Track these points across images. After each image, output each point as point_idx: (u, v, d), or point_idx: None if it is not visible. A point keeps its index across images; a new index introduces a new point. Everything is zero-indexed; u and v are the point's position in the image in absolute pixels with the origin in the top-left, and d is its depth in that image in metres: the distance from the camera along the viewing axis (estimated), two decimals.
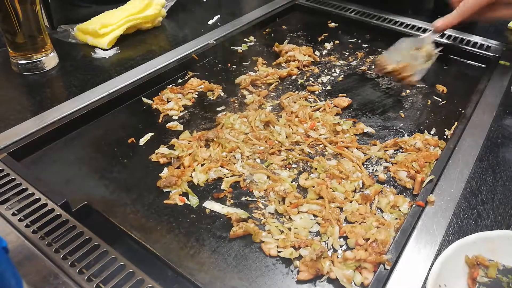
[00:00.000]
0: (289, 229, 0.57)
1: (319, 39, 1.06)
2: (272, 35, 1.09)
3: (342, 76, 0.92)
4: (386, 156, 0.70)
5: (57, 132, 0.73)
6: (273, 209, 0.61)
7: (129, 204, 0.61)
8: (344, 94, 0.85)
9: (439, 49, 0.87)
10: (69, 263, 0.49)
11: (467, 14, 0.82)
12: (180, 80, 0.90)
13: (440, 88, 0.87)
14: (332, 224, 0.57)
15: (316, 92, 0.86)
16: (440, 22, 0.86)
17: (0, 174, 0.61)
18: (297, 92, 0.86)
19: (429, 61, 0.86)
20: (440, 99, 0.84)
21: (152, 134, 0.75)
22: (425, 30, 1.02)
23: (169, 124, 0.77)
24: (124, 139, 0.73)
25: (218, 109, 0.81)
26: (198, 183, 0.65)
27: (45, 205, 0.56)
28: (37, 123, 0.73)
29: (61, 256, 0.50)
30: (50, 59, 0.90)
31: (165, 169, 0.67)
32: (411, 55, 0.87)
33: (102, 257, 0.50)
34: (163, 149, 0.69)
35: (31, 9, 0.83)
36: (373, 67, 0.94)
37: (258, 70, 0.93)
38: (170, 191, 0.63)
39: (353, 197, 0.62)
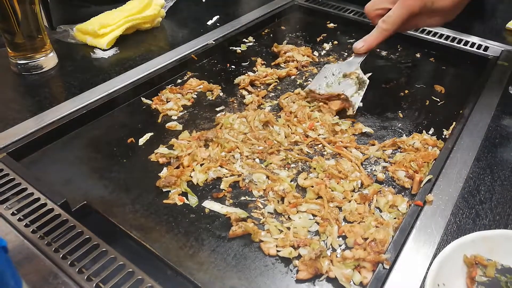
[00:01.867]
0: (288, 228, 0.58)
1: (318, 39, 1.06)
2: (271, 35, 1.09)
3: None
4: (384, 156, 0.70)
5: (57, 132, 0.73)
6: (272, 209, 0.61)
7: (129, 204, 0.61)
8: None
9: (369, 74, 0.81)
10: (69, 262, 0.49)
11: (389, 32, 0.77)
12: (179, 80, 0.90)
13: (438, 88, 0.87)
14: (331, 224, 0.57)
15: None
16: (360, 44, 0.81)
17: None
18: (298, 90, 0.86)
19: (362, 89, 0.78)
20: (438, 99, 0.84)
21: (152, 134, 0.75)
22: (423, 31, 1.03)
23: (168, 124, 0.77)
24: (124, 139, 0.73)
25: (217, 109, 0.82)
26: (197, 183, 0.65)
27: (45, 204, 0.56)
28: (36, 123, 0.73)
29: (61, 255, 0.50)
30: (49, 59, 0.90)
31: (165, 169, 0.67)
32: (341, 83, 0.80)
33: (102, 256, 0.50)
34: (162, 149, 0.69)
35: (30, 9, 0.83)
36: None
37: (257, 70, 0.93)
38: (170, 191, 0.63)
39: (351, 196, 0.62)
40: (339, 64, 0.84)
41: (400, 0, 0.75)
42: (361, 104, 0.78)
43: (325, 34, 1.08)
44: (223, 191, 0.64)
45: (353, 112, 0.78)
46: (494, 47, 0.96)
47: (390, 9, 0.77)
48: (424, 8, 0.75)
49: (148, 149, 0.71)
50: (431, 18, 0.78)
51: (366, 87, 0.79)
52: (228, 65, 0.96)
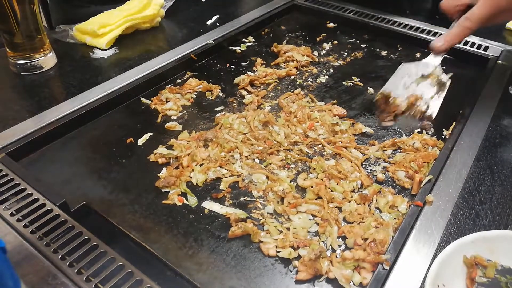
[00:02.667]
0: (288, 229, 0.57)
1: (318, 39, 1.06)
2: (271, 35, 1.09)
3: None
4: (384, 156, 0.70)
5: (56, 132, 0.73)
6: (271, 209, 0.61)
7: (128, 204, 0.61)
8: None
9: (450, 75, 0.75)
10: (68, 263, 0.49)
11: (471, 30, 0.71)
12: (178, 80, 0.90)
13: None
14: (331, 224, 0.57)
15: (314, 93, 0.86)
16: (440, 42, 0.74)
17: None
18: (298, 90, 0.86)
19: (442, 91, 0.73)
20: None
21: (151, 134, 0.75)
22: (423, 31, 1.03)
23: (167, 124, 0.77)
24: (123, 139, 0.73)
25: (217, 109, 0.81)
26: (196, 183, 0.65)
27: (44, 205, 0.56)
28: (35, 123, 0.72)
29: (60, 256, 0.50)
30: (48, 59, 0.90)
31: (164, 169, 0.67)
32: (419, 84, 0.74)
33: (101, 257, 0.50)
34: (161, 149, 0.69)
35: (29, 8, 0.83)
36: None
37: (256, 70, 0.93)
38: (169, 191, 0.63)
39: (351, 197, 0.62)
40: (416, 63, 0.77)
41: None
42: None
43: (324, 34, 1.07)
44: (223, 191, 0.64)
45: (434, 115, 0.72)
46: (494, 47, 0.96)
47: (470, 4, 0.71)
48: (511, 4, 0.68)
49: (148, 149, 0.71)
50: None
51: (446, 89, 0.73)
52: (228, 65, 0.95)
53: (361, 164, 0.68)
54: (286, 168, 0.68)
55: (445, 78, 0.74)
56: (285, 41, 1.04)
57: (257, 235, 0.56)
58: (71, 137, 0.74)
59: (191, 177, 0.65)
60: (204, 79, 0.89)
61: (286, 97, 0.83)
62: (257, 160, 0.69)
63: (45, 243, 0.51)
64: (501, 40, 1.00)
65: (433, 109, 0.72)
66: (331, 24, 1.12)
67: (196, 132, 0.74)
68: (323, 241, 0.56)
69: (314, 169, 0.67)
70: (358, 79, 0.90)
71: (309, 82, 0.90)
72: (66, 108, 0.76)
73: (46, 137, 0.71)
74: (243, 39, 1.05)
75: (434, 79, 0.74)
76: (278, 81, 0.90)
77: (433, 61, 0.76)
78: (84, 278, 0.48)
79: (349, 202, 0.61)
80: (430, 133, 0.75)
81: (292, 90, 0.86)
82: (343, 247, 0.56)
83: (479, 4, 0.69)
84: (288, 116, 0.77)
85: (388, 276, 0.50)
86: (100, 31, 0.97)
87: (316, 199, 0.62)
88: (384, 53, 1.00)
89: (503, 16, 0.71)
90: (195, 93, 0.86)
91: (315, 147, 0.72)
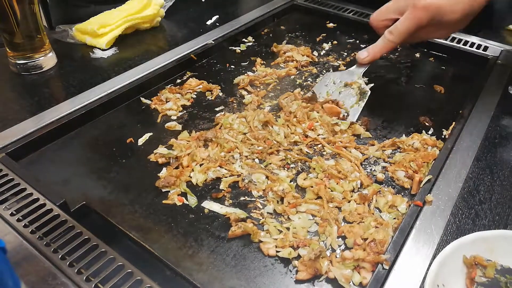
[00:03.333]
0: (288, 229, 0.58)
1: (318, 39, 1.06)
2: (271, 35, 1.09)
3: None
4: (384, 156, 0.70)
5: (56, 132, 0.73)
6: (271, 209, 0.61)
7: (128, 204, 0.61)
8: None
9: (371, 85, 0.79)
10: (68, 263, 0.49)
11: (394, 44, 0.74)
12: (178, 80, 0.90)
13: (438, 88, 0.87)
14: (331, 224, 0.57)
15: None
16: (364, 54, 0.78)
17: None
18: (298, 90, 0.86)
19: (362, 100, 0.77)
20: (437, 99, 0.84)
21: (151, 134, 0.75)
22: None
23: (167, 124, 0.77)
24: (123, 139, 0.73)
25: (217, 109, 0.82)
26: (196, 183, 0.65)
27: (44, 205, 0.56)
28: (35, 123, 0.72)
29: (60, 256, 0.50)
30: (48, 59, 0.90)
31: (164, 169, 0.67)
32: (341, 92, 0.79)
33: (101, 257, 0.50)
34: (161, 149, 0.69)
35: (29, 8, 0.83)
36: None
37: (256, 70, 0.93)
38: (169, 191, 0.63)
39: (351, 197, 0.62)
40: (341, 72, 0.83)
41: (408, 11, 0.71)
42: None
43: (324, 34, 1.08)
44: (223, 191, 0.64)
45: (353, 120, 0.76)
46: (494, 47, 0.96)
47: (397, 19, 0.74)
48: (433, 20, 0.71)
49: (148, 149, 0.71)
50: (439, 30, 0.75)
51: (367, 98, 0.77)
52: (228, 65, 0.95)
53: (361, 164, 0.68)
54: (286, 168, 0.68)
55: (366, 88, 0.78)
56: (285, 41, 1.04)
57: (257, 235, 0.56)
58: (71, 137, 0.74)
59: (191, 177, 0.65)
60: (204, 79, 0.89)
61: (286, 97, 0.83)
62: (257, 160, 0.69)
63: (45, 243, 0.51)
64: (500, 40, 1.00)
65: (352, 117, 0.76)
66: (331, 24, 1.12)
67: (196, 132, 0.75)
68: (323, 241, 0.56)
69: (314, 169, 0.67)
70: None
71: (309, 82, 0.90)
72: (66, 108, 0.76)
73: (46, 137, 0.71)
74: (243, 39, 1.05)
75: (356, 88, 0.79)
76: (278, 81, 0.90)
77: (356, 71, 0.81)
78: (84, 278, 0.48)
79: (349, 202, 0.61)
80: (430, 133, 0.75)
81: (292, 90, 0.86)
82: (343, 247, 0.56)
83: (401, 19, 0.73)
84: (288, 116, 0.77)
85: (388, 276, 0.50)
86: (100, 31, 0.97)
87: (316, 199, 0.62)
88: None
89: (426, 31, 0.74)
90: (195, 93, 0.86)
91: (315, 147, 0.72)
